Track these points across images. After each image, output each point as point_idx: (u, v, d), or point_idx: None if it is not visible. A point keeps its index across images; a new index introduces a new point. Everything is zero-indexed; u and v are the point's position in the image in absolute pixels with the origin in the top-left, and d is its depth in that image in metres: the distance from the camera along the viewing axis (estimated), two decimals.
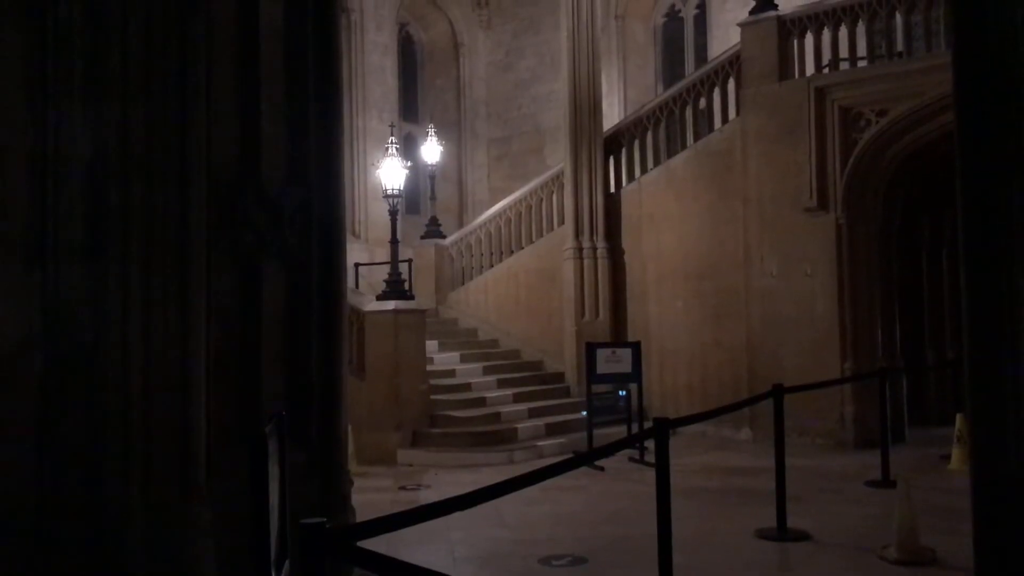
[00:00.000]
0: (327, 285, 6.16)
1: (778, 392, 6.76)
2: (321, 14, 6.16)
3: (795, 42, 11.51)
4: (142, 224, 5.00)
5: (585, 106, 13.00)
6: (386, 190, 11.59)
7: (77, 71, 4.98)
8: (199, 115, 5.34)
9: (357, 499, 6.12)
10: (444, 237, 15.08)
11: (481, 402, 11.61)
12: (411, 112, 19.04)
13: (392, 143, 11.94)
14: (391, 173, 11.57)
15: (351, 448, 8.99)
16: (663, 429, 4.54)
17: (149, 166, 5.08)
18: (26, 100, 4.92)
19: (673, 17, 18.49)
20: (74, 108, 4.94)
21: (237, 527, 4.62)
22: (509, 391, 12.07)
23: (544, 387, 12.53)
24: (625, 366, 10.07)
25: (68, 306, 4.82)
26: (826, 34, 11.40)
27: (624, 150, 13.38)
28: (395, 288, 10.88)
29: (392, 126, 13.69)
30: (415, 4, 19.09)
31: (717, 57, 13.00)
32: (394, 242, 11.39)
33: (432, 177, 15.12)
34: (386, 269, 12.69)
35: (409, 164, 12.06)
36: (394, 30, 18.50)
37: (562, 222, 13.36)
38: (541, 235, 13.91)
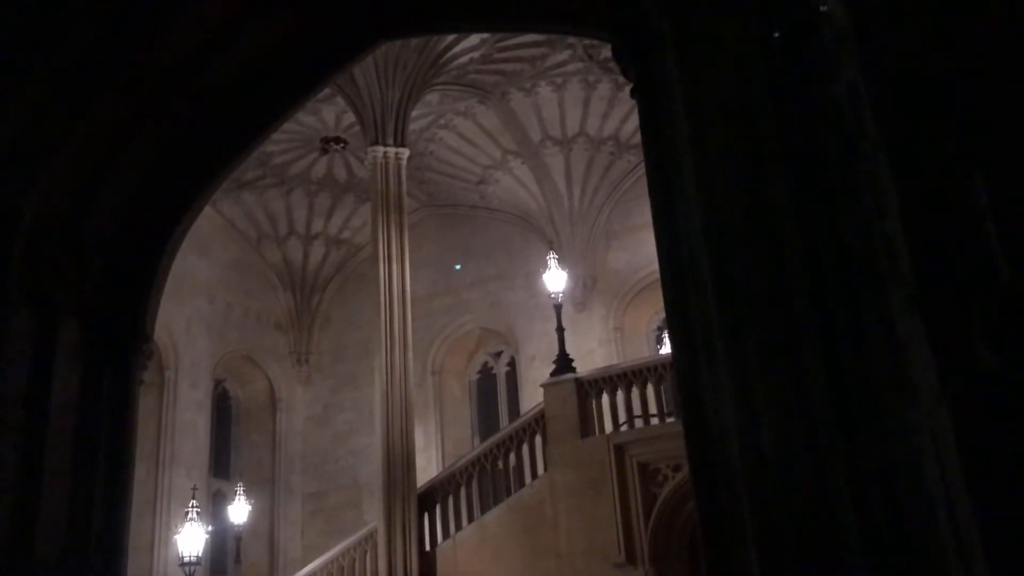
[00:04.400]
0: None
1: None
2: (118, 390, 6.18)
3: (593, 402, 12.40)
4: None
5: (399, 462, 13.11)
6: (183, 558, 10.89)
7: None
8: None
9: None
10: None
11: None
12: (222, 468, 18.46)
13: (193, 507, 11.44)
14: (190, 539, 10.95)
15: None
16: None
17: None
18: None
19: (486, 373, 19.61)
20: None
21: None
22: None
23: None
24: None
25: None
26: (620, 394, 12.40)
27: (439, 506, 13.37)
28: None
29: (195, 488, 13.17)
30: (233, 362, 19.34)
31: (525, 414, 13.72)
32: None
33: (238, 539, 14.37)
34: None
35: (210, 529, 11.49)
36: (210, 387, 18.48)
37: None
38: None
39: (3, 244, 5.51)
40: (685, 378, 3.50)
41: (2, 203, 5.55)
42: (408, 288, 14.30)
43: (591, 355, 16.86)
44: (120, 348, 6.26)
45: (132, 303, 6.39)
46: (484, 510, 12.86)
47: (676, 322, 3.60)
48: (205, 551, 15.54)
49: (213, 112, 6.30)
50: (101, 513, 5.81)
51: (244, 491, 15.03)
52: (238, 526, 14.42)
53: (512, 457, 13.06)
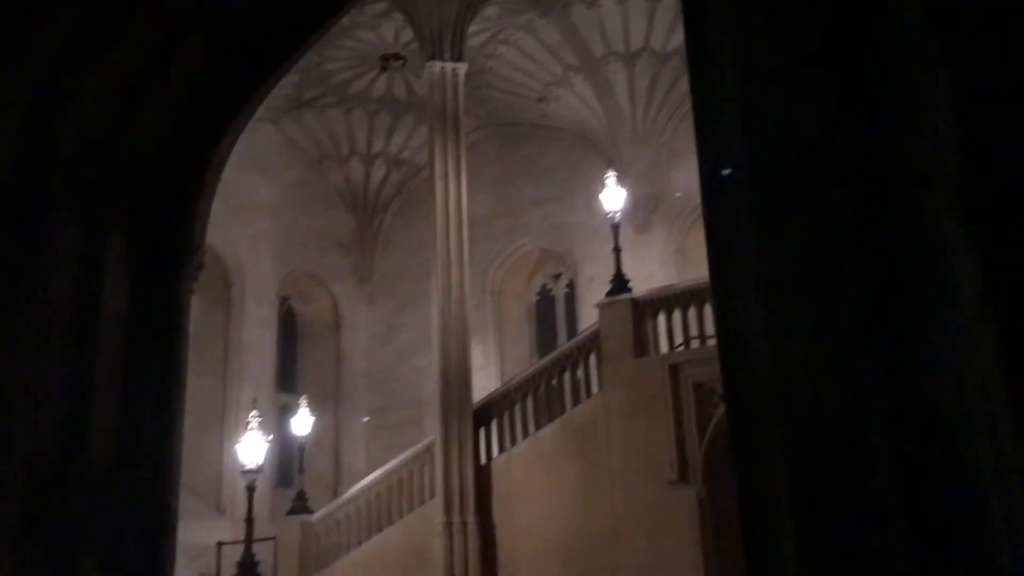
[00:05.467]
0: None
1: None
2: (168, 301, 6.26)
3: (649, 322, 12.27)
4: None
5: (455, 380, 13.26)
6: (244, 466, 11.27)
7: None
8: (24, 398, 5.20)
9: None
10: (311, 512, 14.48)
11: None
12: (288, 383, 18.95)
13: (254, 417, 11.78)
14: (251, 448, 11.31)
15: None
16: None
17: None
18: None
19: (545, 295, 19.56)
20: None
21: None
22: None
23: None
24: None
25: None
26: (677, 314, 12.23)
27: (495, 422, 13.53)
28: (248, 572, 10.24)
29: (255, 399, 13.53)
30: (298, 280, 19.65)
31: (580, 334, 13.68)
32: (249, 521, 10.94)
33: (301, 449, 14.82)
34: (257, 547, 12.05)
35: (271, 437, 11.82)
36: (275, 304, 18.85)
37: (433, 495, 13.11)
38: (412, 509, 13.55)
39: (48, 158, 5.55)
40: (720, 291, 3.34)
41: (46, 117, 5.57)
42: (464, 206, 14.23)
43: (651, 278, 16.59)
44: (169, 260, 6.32)
45: (180, 214, 6.42)
46: (539, 427, 12.97)
47: (714, 235, 3.42)
48: (273, 462, 16.14)
49: (260, 15, 6.18)
50: (152, 425, 5.96)
51: (308, 404, 15.41)
52: (301, 438, 14.86)
53: (567, 376, 13.07)
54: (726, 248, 3.24)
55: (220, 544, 14.57)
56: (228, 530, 15.49)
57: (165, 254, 6.31)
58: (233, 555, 14.75)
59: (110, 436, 5.69)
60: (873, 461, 2.51)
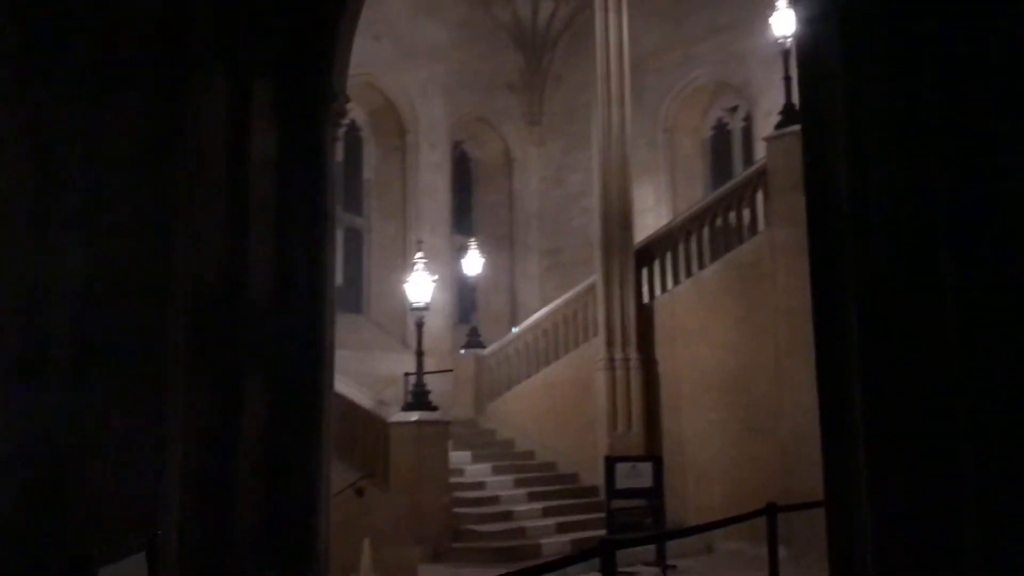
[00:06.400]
0: (311, 401, 6.35)
1: (771, 510, 6.58)
2: (313, 148, 6.56)
3: None
4: (125, 349, 5.30)
5: (616, 219, 13.21)
6: (412, 303, 11.95)
7: (74, 204, 5.43)
8: (184, 237, 5.69)
9: None
10: (484, 347, 15.27)
11: (508, 516, 11.50)
12: (464, 225, 19.56)
13: (419, 258, 12.35)
14: (417, 287, 11.94)
15: (367, 562, 9.03)
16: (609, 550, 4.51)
17: (135, 290, 5.40)
18: (30, 229, 5.37)
19: (721, 130, 18.73)
20: (69, 238, 5.35)
21: None
22: (539, 505, 11.92)
23: (576, 501, 12.33)
24: (646, 480, 9.91)
25: (51, 424, 5.12)
26: None
27: (657, 262, 13.47)
28: (419, 399, 11.06)
29: (419, 242, 14.11)
30: (469, 124, 19.86)
31: (747, 170, 13.13)
32: (419, 354, 11.70)
33: (474, 288, 15.48)
34: (437, 378, 13.00)
35: (435, 278, 12.39)
36: (448, 149, 19.22)
37: (596, 333, 13.41)
38: (576, 345, 13.97)
39: (192, 4, 5.80)
40: (808, 120, 3.14)
41: None
42: (626, 39, 13.68)
43: None
44: (311, 106, 6.58)
45: (319, 60, 6.61)
46: (702, 266, 12.79)
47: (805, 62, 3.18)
48: (453, 300, 17.04)
49: None
50: (304, 262, 6.39)
51: (479, 246, 15.98)
52: (473, 277, 15.52)
53: (731, 214, 12.69)
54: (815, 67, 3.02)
55: (407, 374, 15.72)
56: (413, 362, 16.65)
57: (307, 101, 6.57)
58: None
59: (267, 270, 6.17)
60: (942, 302, 2.36)
